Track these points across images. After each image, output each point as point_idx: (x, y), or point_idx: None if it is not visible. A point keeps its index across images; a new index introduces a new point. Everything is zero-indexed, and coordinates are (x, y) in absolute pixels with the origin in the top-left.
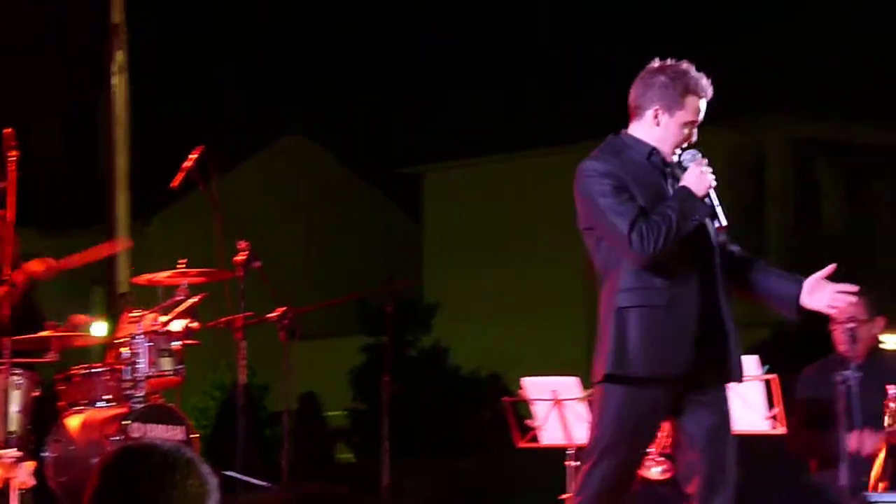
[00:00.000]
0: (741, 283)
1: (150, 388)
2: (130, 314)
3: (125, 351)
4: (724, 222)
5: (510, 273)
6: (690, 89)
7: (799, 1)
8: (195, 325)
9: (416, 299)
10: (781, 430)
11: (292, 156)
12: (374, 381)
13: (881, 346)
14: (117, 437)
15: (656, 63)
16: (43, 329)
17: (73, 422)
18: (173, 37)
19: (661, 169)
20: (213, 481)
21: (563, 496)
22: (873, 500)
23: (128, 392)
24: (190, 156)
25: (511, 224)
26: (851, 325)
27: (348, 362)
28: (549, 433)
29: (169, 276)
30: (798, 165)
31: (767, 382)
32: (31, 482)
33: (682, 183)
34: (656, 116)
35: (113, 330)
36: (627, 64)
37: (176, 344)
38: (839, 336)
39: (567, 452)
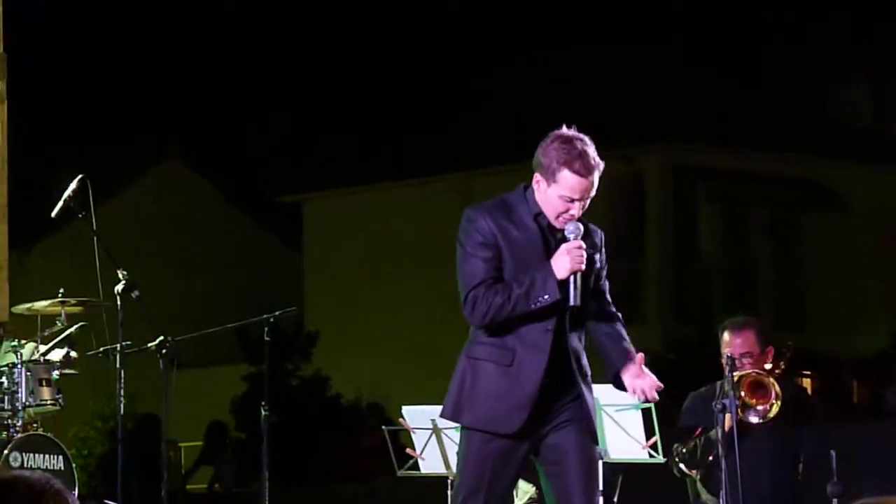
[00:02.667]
0: (595, 341)
1: (30, 417)
2: (9, 343)
3: (4, 380)
4: (576, 303)
5: (390, 302)
6: (567, 165)
7: (677, 27)
8: (74, 354)
9: (297, 328)
10: (659, 458)
11: (171, 184)
12: (255, 410)
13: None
14: None
15: (559, 131)
16: None
17: None
18: (52, 64)
19: (546, 232)
20: None
21: None
22: None
23: (7, 422)
24: (70, 185)
25: (391, 253)
26: (746, 360)
27: (230, 391)
28: (429, 462)
29: (48, 306)
30: (677, 193)
31: (645, 411)
32: None
33: (552, 261)
34: (538, 182)
35: None
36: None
37: (55, 373)
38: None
39: (448, 480)
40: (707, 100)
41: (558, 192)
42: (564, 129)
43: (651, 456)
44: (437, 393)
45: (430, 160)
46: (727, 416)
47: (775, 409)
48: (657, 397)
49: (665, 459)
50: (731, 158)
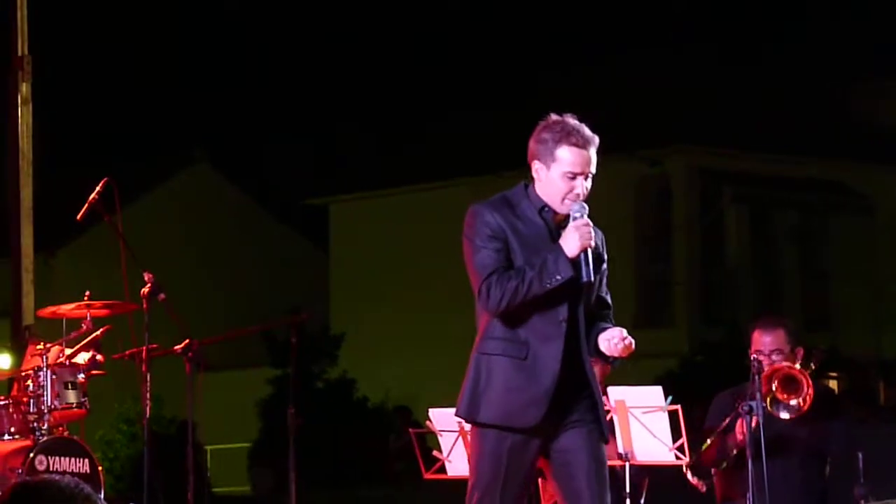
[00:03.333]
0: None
1: (56, 420)
2: (35, 347)
3: (30, 384)
4: (589, 278)
5: (417, 303)
6: (564, 140)
7: (707, 31)
8: (100, 357)
9: (323, 330)
10: (685, 460)
11: (198, 187)
12: (281, 413)
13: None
14: (22, 471)
15: (546, 119)
16: None
17: None
18: (79, 67)
19: (551, 226)
20: None
21: None
22: None
23: (33, 425)
24: (95, 188)
25: (417, 255)
26: (777, 358)
27: (256, 394)
28: (456, 465)
29: (74, 309)
30: (704, 196)
31: (672, 413)
32: None
33: (560, 241)
34: (537, 171)
35: (17, 362)
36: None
37: (81, 376)
38: (753, 364)
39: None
40: (734, 102)
41: (560, 171)
42: (552, 115)
43: (678, 458)
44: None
45: (455, 163)
46: (754, 417)
47: (807, 405)
48: (626, 348)
49: (692, 461)
50: (758, 161)
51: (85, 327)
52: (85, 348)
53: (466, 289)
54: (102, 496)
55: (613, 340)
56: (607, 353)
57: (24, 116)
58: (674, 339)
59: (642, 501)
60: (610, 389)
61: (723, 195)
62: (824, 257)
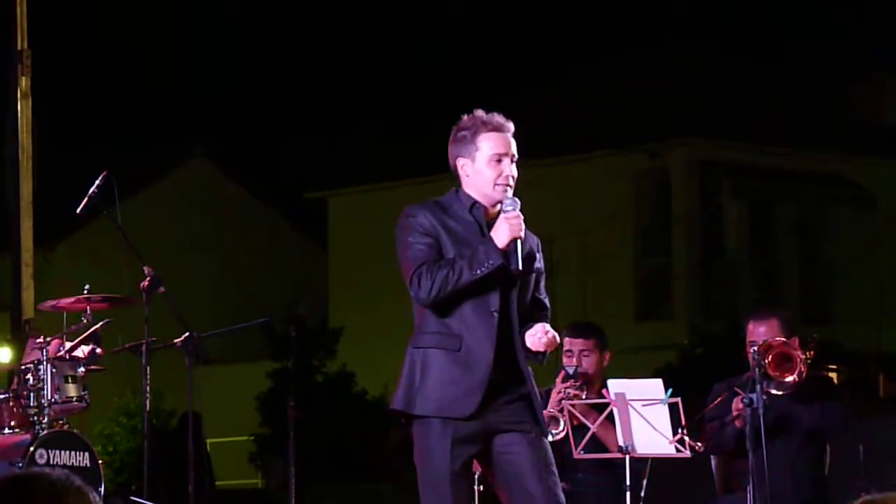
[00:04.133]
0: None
1: (55, 414)
2: (35, 340)
3: (30, 377)
4: (517, 267)
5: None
6: (482, 129)
7: (705, 25)
8: (100, 351)
9: (322, 324)
10: (686, 453)
11: (197, 181)
12: (281, 406)
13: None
14: (22, 464)
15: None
16: None
17: None
18: (79, 62)
19: (482, 223)
20: None
21: None
22: None
23: (33, 418)
24: (95, 182)
25: None
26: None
27: (256, 387)
28: None
29: (73, 303)
30: (703, 189)
31: (672, 406)
32: None
33: (491, 232)
34: (462, 168)
35: (17, 356)
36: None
37: (81, 370)
38: (752, 357)
39: (475, 476)
40: (734, 95)
41: (486, 155)
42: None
43: (678, 450)
44: None
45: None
46: (754, 409)
47: (801, 381)
48: (549, 342)
49: (692, 455)
50: (758, 154)
51: (85, 321)
52: (85, 342)
53: None
54: (102, 489)
55: (537, 335)
56: (532, 347)
57: (24, 111)
58: (673, 332)
59: (642, 494)
60: (610, 382)
61: (722, 188)
62: (824, 250)
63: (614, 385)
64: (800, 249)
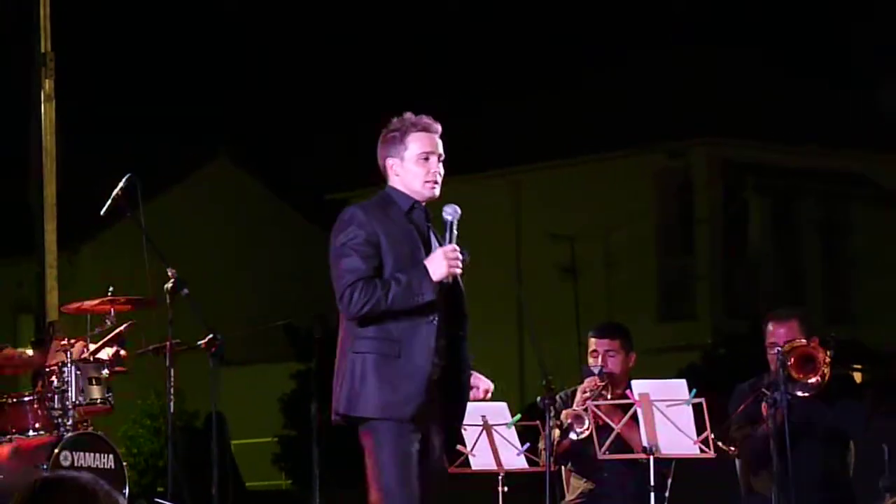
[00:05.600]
0: None
1: (80, 416)
2: (59, 342)
3: (54, 379)
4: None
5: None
6: (410, 129)
7: (726, 24)
8: (124, 353)
9: None
10: (710, 454)
11: (220, 182)
12: (305, 408)
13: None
14: (47, 466)
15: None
16: None
17: (3, 450)
18: (102, 63)
19: (419, 225)
20: None
21: None
22: None
23: (57, 420)
24: (118, 184)
25: None
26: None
27: (279, 389)
28: (480, 458)
29: (97, 305)
30: (726, 187)
31: (696, 406)
32: None
33: (427, 262)
34: (392, 168)
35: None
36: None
37: (105, 372)
38: (773, 358)
39: (499, 477)
40: (755, 94)
41: (415, 154)
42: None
43: (702, 451)
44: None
45: (480, 155)
46: (779, 410)
47: (824, 382)
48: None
49: (716, 455)
50: (780, 153)
51: (109, 323)
52: (109, 344)
53: (489, 282)
54: (127, 492)
55: (478, 394)
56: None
57: (48, 113)
58: (696, 332)
59: (667, 494)
60: (634, 383)
61: (745, 187)
62: (847, 248)
63: (638, 385)
64: (823, 248)
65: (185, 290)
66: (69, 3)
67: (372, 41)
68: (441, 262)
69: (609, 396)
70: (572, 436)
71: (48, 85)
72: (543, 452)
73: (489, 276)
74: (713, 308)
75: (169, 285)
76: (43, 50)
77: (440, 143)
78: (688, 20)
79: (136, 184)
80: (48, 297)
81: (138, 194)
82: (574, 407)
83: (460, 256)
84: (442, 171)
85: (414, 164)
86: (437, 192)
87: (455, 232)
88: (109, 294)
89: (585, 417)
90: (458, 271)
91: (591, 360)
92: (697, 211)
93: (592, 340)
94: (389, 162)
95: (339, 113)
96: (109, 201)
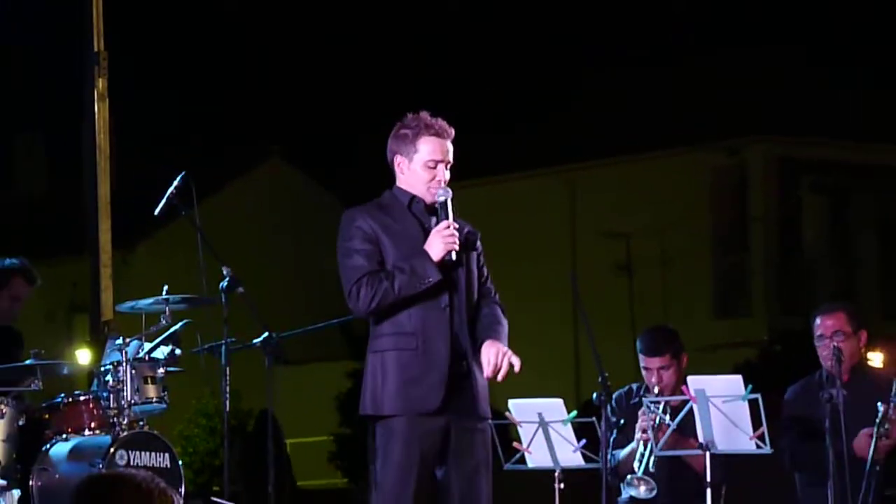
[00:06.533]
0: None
1: (135, 415)
2: (114, 342)
3: (109, 378)
4: (454, 258)
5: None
6: (423, 132)
7: (782, 20)
8: (179, 352)
9: None
10: (766, 449)
11: (275, 181)
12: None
13: (868, 362)
14: (102, 465)
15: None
16: (27, 357)
17: (59, 450)
18: (156, 62)
19: (422, 219)
20: None
21: None
22: None
23: (113, 420)
24: (173, 182)
25: (495, 245)
26: (838, 339)
27: (335, 387)
28: (536, 456)
29: (152, 303)
30: (781, 185)
31: (752, 402)
32: None
33: (426, 246)
34: (399, 165)
35: (96, 358)
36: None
37: (160, 371)
38: (825, 353)
39: (555, 474)
40: (811, 91)
41: (423, 160)
42: (408, 114)
43: (758, 446)
44: (541, 386)
45: (537, 153)
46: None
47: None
48: (505, 367)
49: (772, 450)
50: (836, 149)
51: (164, 322)
52: (164, 343)
53: (537, 282)
54: (183, 490)
55: (488, 362)
56: (485, 365)
57: (101, 112)
58: (752, 329)
59: (723, 491)
60: (690, 379)
61: (800, 184)
62: None
63: (694, 382)
64: (879, 244)
65: (241, 289)
66: (123, 1)
67: (430, 35)
68: (437, 241)
69: (669, 418)
70: (633, 493)
71: (101, 84)
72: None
73: (545, 274)
74: (769, 305)
75: (224, 284)
76: (96, 49)
77: (451, 149)
78: (742, 18)
79: (190, 183)
80: (103, 296)
81: (193, 193)
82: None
83: (455, 233)
84: (448, 177)
85: (421, 169)
86: (439, 196)
87: (450, 211)
88: (164, 293)
89: (650, 482)
90: (456, 247)
91: (645, 376)
92: (753, 209)
93: (642, 357)
94: (398, 159)
95: (393, 111)
96: (164, 200)
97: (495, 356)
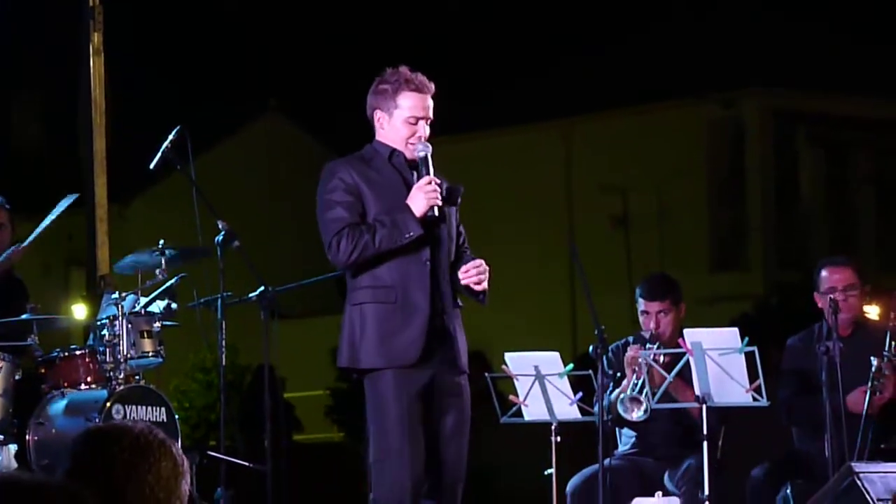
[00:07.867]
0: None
1: (131, 369)
2: (110, 296)
3: (105, 333)
4: (436, 214)
5: (491, 249)
6: (403, 87)
7: None
8: (175, 306)
9: None
10: (763, 402)
11: (271, 135)
12: None
13: (866, 316)
14: (99, 419)
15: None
16: (24, 311)
17: (56, 404)
18: (151, 16)
19: (403, 172)
20: (185, 463)
21: (548, 471)
22: (858, 470)
23: (109, 374)
24: (168, 136)
25: (491, 200)
26: (851, 293)
27: (330, 341)
28: (533, 409)
29: (148, 255)
30: (777, 138)
31: (749, 355)
32: (14, 466)
33: (408, 201)
34: (379, 120)
35: (93, 312)
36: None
37: (156, 325)
38: (825, 306)
39: (552, 427)
40: (808, 42)
41: (403, 116)
42: (388, 69)
43: (755, 399)
44: (538, 340)
45: (532, 107)
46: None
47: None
48: (477, 276)
49: (769, 402)
50: (833, 102)
51: (160, 276)
52: (160, 297)
53: (542, 235)
54: (179, 444)
55: (469, 272)
56: (463, 282)
57: (97, 67)
58: (749, 283)
59: (720, 444)
60: (686, 332)
61: (797, 137)
62: None
63: (690, 334)
64: (877, 199)
65: (237, 243)
66: None
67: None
68: (419, 196)
69: (663, 358)
70: (627, 416)
71: (97, 38)
72: (597, 403)
73: (540, 228)
74: (765, 259)
75: (220, 238)
76: (91, 3)
77: (431, 105)
78: None
79: (186, 136)
80: (99, 250)
81: (188, 147)
82: (626, 365)
83: (437, 188)
84: (427, 133)
85: (401, 125)
86: (419, 152)
87: (430, 166)
88: (160, 247)
89: (643, 402)
90: (438, 202)
91: (641, 320)
92: (749, 161)
93: (642, 301)
94: (377, 115)
95: (393, 65)
96: (159, 154)
97: (472, 265)
